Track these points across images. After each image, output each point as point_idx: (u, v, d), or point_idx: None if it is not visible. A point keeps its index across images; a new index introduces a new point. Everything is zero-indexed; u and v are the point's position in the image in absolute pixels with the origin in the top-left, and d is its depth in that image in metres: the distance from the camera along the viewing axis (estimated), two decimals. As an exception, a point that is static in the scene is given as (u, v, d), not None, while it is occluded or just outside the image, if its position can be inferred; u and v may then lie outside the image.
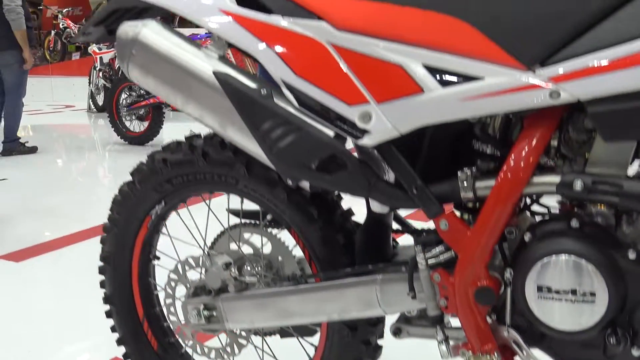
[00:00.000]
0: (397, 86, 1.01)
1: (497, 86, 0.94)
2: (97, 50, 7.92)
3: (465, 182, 1.03)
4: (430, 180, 1.07)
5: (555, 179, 0.96)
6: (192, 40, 1.22)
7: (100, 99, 8.45)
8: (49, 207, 3.77)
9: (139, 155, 1.77)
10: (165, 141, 1.47)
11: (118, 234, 1.45)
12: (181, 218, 1.47)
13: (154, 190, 1.38)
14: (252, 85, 1.11)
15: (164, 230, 1.49)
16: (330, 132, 1.05)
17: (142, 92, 5.71)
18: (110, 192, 1.50)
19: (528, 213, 1.08)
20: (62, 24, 10.29)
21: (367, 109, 1.02)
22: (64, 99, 6.37)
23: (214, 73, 1.12)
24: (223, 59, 1.17)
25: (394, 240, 1.32)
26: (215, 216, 1.42)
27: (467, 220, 1.10)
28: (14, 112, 5.47)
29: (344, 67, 1.04)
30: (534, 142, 0.98)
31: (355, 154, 1.10)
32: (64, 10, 11.17)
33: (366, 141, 1.03)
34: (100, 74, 8.00)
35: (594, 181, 0.93)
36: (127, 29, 1.22)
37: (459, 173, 1.04)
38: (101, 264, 1.50)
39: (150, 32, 1.20)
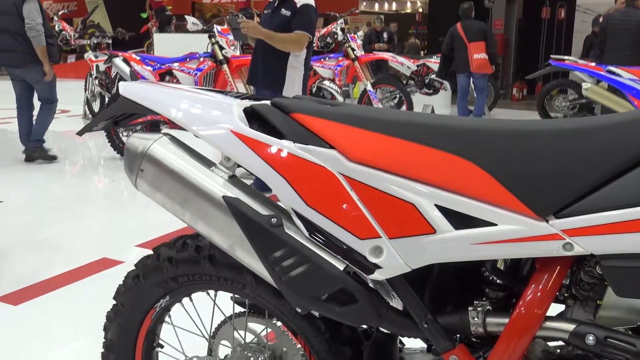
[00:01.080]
0: (409, 224, 1.00)
1: (511, 234, 0.94)
2: (94, 58, 7.88)
3: (476, 318, 1.03)
4: (439, 309, 1.07)
5: (568, 327, 0.96)
6: (203, 157, 1.21)
7: (96, 106, 8.40)
8: (47, 238, 3.75)
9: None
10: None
11: (122, 324, 1.45)
12: (185, 310, 1.46)
13: (158, 286, 1.37)
14: (262, 211, 1.10)
15: (167, 319, 1.48)
16: (340, 265, 1.05)
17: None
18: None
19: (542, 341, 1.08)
20: (58, 27, 10.23)
21: (378, 243, 1.02)
22: (59, 103, 6.36)
23: (224, 198, 1.11)
24: (233, 180, 1.16)
25: (400, 342, 1.32)
26: (221, 310, 1.42)
27: (478, 356, 1.10)
28: (47, 114, 5.88)
29: (355, 199, 1.03)
30: (546, 286, 0.98)
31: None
32: (60, 13, 11.11)
33: (377, 276, 1.03)
34: (97, 82, 7.96)
35: (607, 337, 0.93)
36: (137, 142, 1.21)
37: (470, 309, 1.03)
38: (104, 351, 1.49)
39: (161, 148, 1.19)
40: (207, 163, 1.19)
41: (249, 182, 1.24)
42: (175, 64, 5.66)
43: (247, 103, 1.21)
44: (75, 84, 9.76)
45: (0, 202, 4.50)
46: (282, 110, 1.14)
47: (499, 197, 0.95)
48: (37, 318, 2.64)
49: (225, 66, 5.61)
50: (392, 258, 1.01)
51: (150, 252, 1.40)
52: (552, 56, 4.93)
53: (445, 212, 0.98)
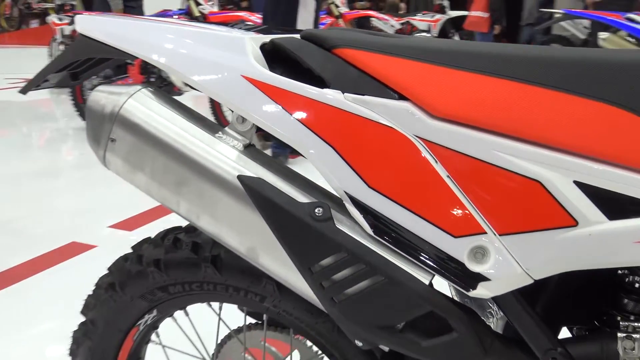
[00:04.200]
0: (533, 213, 0.65)
1: None
2: (57, 22, 7.29)
3: (632, 349, 0.68)
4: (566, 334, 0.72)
5: None
6: (203, 118, 0.83)
7: (61, 73, 7.83)
8: (5, 222, 3.32)
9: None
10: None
11: (94, 347, 1.08)
12: (178, 325, 1.10)
13: (142, 299, 1.00)
14: (299, 197, 0.73)
15: (155, 337, 1.12)
16: (425, 278, 0.69)
17: (109, 72, 5.19)
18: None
19: None
20: (18, -11, 9.53)
21: (481, 242, 0.67)
22: (22, 71, 5.80)
23: (240, 178, 0.74)
24: (251, 151, 0.79)
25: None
26: (227, 326, 1.06)
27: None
28: None
29: (443, 175, 0.67)
30: None
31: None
32: (19, -26, 10.36)
33: (482, 292, 0.67)
34: (62, 47, 7.38)
35: None
36: (103, 99, 0.83)
37: (621, 335, 0.69)
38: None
39: (140, 106, 0.81)
40: (210, 126, 0.81)
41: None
42: (147, 24, 5.16)
43: (264, 37, 0.83)
44: (39, 50, 9.13)
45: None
46: (320, 44, 0.77)
47: None
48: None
49: (201, 25, 5.13)
50: (505, 264, 0.66)
51: (129, 248, 1.03)
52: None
53: (592, 193, 0.63)
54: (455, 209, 0.67)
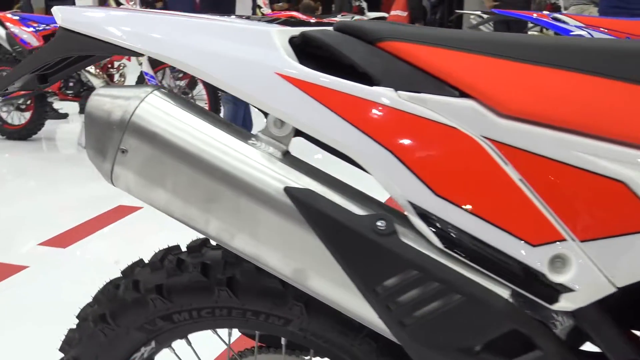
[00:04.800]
0: (617, 216, 0.60)
1: None
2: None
3: None
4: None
5: None
6: (229, 124, 0.73)
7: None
8: None
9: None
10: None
11: (77, 387, 0.94)
12: (177, 355, 0.98)
13: (139, 330, 0.89)
14: (356, 210, 0.65)
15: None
16: (504, 292, 0.63)
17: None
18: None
19: None
20: None
21: (562, 250, 0.61)
22: None
23: (287, 191, 0.65)
24: (290, 159, 0.70)
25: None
26: (234, 353, 0.96)
27: None
28: None
29: (515, 178, 0.62)
30: None
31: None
32: None
33: (566, 304, 0.62)
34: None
35: None
36: (108, 104, 0.71)
37: None
38: None
39: (156, 110, 0.70)
40: (240, 132, 0.71)
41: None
42: (62, 25, 4.82)
43: (292, 30, 0.74)
44: None
45: None
46: (361, 37, 0.69)
47: None
48: None
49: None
50: (588, 272, 0.61)
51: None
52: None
53: None
54: (530, 215, 0.62)
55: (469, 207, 0.62)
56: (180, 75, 4.83)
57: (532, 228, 0.62)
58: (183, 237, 0.95)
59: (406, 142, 0.63)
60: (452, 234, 0.63)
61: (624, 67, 0.62)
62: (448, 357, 0.66)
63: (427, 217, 0.63)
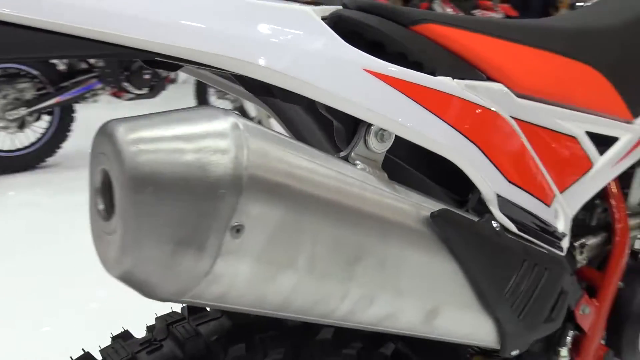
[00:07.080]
0: (574, 165, 0.81)
1: (629, 144, 0.88)
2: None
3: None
4: None
5: None
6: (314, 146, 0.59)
7: None
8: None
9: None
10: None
11: None
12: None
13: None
14: (463, 213, 0.66)
15: None
16: (561, 253, 0.79)
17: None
18: None
19: None
20: None
21: (555, 205, 0.78)
22: None
23: (436, 217, 0.59)
24: (385, 175, 0.61)
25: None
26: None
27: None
28: None
29: (529, 149, 0.74)
30: None
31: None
32: None
33: (564, 246, 0.80)
34: None
35: None
36: (186, 153, 0.44)
37: None
38: None
39: (267, 154, 0.48)
40: (341, 160, 0.57)
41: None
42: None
43: (322, 9, 0.63)
44: None
45: None
46: (394, 19, 0.65)
47: (616, 106, 0.86)
48: None
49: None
50: (564, 218, 0.80)
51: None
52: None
53: (593, 138, 0.83)
54: (545, 181, 0.76)
55: (529, 188, 0.72)
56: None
57: (546, 192, 0.77)
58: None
59: (482, 133, 0.65)
60: (519, 216, 0.70)
61: (554, 41, 0.80)
62: (540, 331, 0.77)
63: (503, 203, 0.68)
